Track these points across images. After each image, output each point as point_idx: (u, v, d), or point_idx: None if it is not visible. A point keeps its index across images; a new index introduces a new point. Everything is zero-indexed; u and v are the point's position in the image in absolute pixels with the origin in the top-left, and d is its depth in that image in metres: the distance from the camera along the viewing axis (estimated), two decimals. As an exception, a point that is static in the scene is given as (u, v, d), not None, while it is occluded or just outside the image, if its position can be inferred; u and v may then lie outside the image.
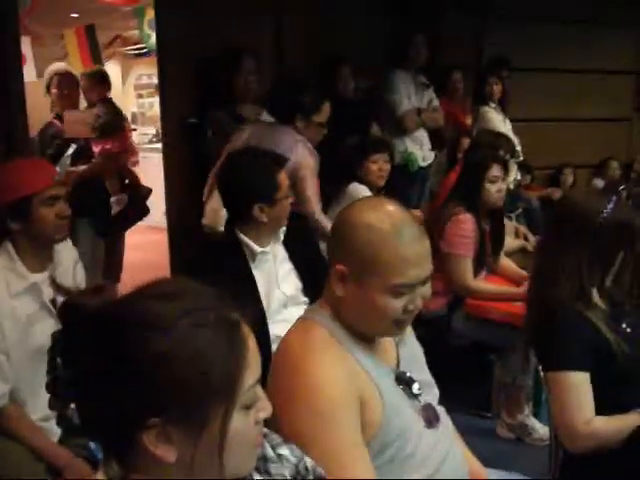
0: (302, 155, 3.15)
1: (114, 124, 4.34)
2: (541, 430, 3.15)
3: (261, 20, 4.10)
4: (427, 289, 1.49)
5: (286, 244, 2.57)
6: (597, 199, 2.01)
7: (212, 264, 2.37)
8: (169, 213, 4.14)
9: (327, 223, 3.13)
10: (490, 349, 3.31)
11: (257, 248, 2.42)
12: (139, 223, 4.67)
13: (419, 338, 1.72)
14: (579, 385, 1.85)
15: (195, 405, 0.91)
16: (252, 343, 0.98)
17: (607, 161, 6.60)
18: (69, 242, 2.24)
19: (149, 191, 4.53)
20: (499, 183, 3.25)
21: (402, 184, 4.33)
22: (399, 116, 4.47)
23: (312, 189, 3.25)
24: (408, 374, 1.53)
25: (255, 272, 2.42)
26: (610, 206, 1.92)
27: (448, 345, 3.29)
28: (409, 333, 1.66)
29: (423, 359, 1.70)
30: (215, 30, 3.71)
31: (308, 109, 3.21)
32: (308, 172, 3.19)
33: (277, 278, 2.48)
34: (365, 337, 1.48)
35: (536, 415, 3.29)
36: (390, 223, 1.40)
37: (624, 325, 2.01)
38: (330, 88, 4.10)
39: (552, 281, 1.96)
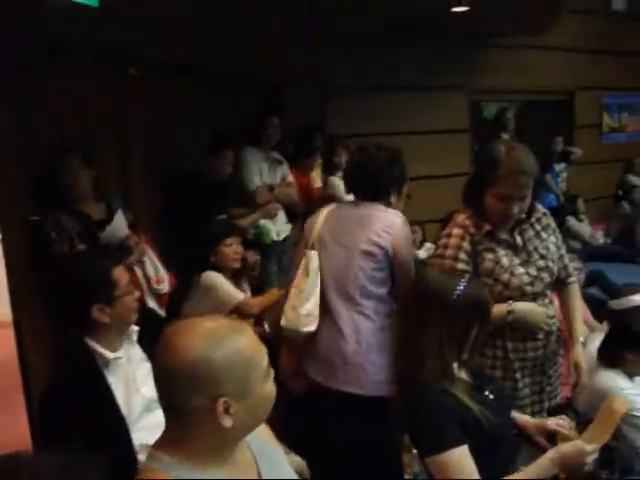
0: (401, 230, 2.77)
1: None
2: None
3: (103, 115, 3.98)
4: None
5: (142, 343, 2.45)
6: (450, 277, 2.08)
7: (62, 379, 2.23)
8: (14, 309, 3.86)
9: None
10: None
11: (109, 354, 2.28)
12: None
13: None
14: (462, 459, 1.87)
15: None
16: None
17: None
18: None
19: None
20: None
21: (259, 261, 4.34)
22: (250, 193, 4.49)
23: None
24: None
25: (110, 379, 2.28)
26: (463, 284, 1.99)
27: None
28: (268, 438, 1.63)
29: (284, 459, 1.67)
30: (48, 122, 3.54)
31: (401, 181, 2.94)
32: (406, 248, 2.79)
33: (135, 381, 2.35)
34: (226, 460, 1.44)
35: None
36: (227, 328, 1.42)
37: (487, 393, 2.06)
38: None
39: (415, 359, 1.98)
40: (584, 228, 8.09)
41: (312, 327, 2.67)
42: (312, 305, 2.68)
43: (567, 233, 7.36)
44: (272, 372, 1.48)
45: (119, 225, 3.43)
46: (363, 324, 2.68)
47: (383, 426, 2.58)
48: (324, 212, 2.87)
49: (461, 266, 2.47)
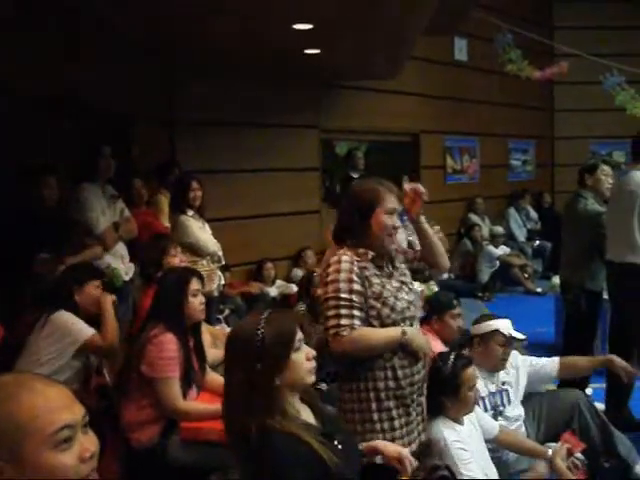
0: None
1: None
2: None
3: None
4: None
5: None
6: (252, 317, 2.05)
7: None
8: None
9: None
10: (211, 470, 3.17)
11: None
12: None
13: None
14: None
15: None
16: None
17: (303, 251, 7.00)
18: None
19: None
20: (200, 296, 3.23)
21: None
22: (99, 234, 4.24)
23: None
24: None
25: None
26: (262, 320, 1.96)
27: (167, 476, 3.08)
28: None
29: None
30: None
31: None
32: None
33: None
34: None
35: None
36: (17, 386, 1.34)
37: (336, 442, 2.04)
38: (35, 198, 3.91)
39: (246, 404, 1.93)
40: (429, 265, 8.41)
41: None
42: None
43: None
44: (75, 446, 1.33)
45: None
46: None
47: None
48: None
49: (357, 287, 2.55)
